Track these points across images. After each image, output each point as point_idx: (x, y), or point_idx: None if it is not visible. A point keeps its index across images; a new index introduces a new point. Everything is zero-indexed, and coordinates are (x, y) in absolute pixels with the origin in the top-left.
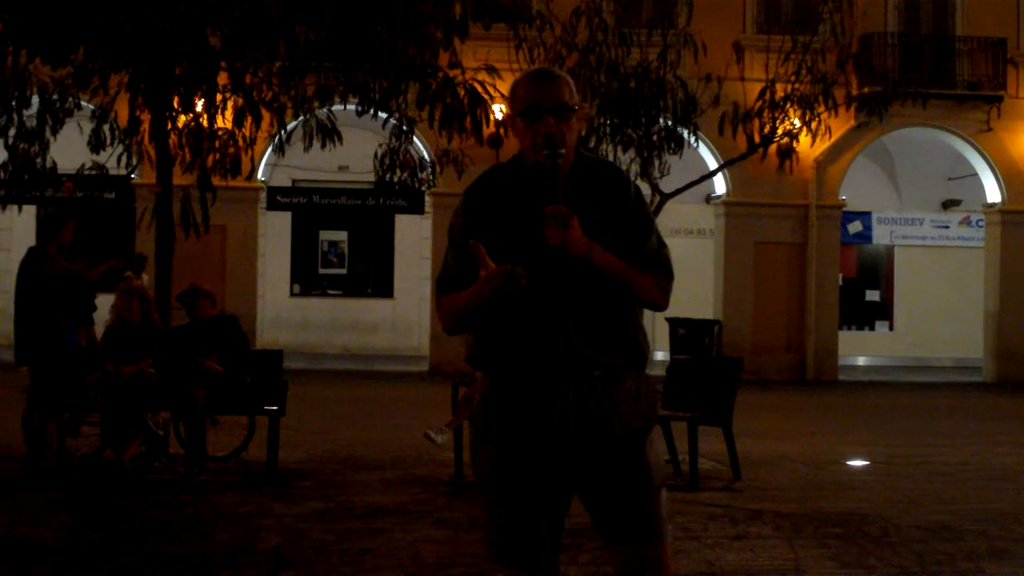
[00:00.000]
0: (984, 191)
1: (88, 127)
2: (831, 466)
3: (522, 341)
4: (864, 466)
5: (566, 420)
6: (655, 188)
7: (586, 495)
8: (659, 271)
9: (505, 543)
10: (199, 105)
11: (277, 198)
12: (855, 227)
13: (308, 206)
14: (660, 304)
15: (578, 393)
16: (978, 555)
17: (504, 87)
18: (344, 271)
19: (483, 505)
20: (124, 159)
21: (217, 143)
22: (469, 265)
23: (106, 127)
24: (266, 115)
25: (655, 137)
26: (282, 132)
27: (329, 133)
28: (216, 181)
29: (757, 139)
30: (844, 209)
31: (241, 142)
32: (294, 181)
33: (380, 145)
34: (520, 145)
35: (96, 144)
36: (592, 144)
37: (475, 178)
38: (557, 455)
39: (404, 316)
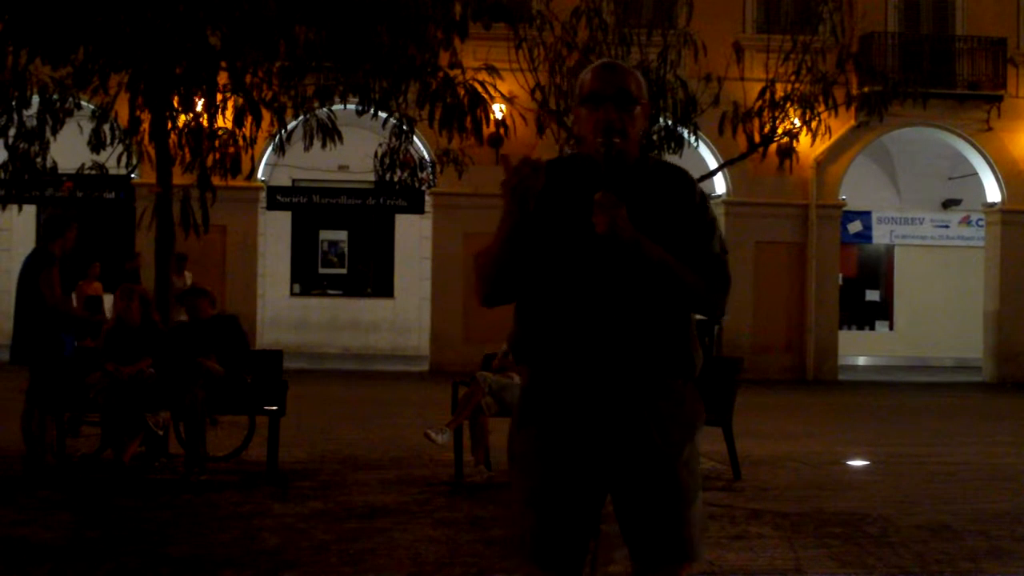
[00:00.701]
0: (984, 191)
1: (88, 127)
2: (831, 466)
3: (566, 335)
4: (864, 466)
5: (605, 420)
6: None
7: (617, 499)
8: (713, 274)
9: (534, 540)
10: (199, 105)
11: (277, 198)
12: (855, 227)
13: (308, 206)
14: (713, 307)
15: (619, 394)
16: (978, 555)
17: (504, 87)
18: (344, 271)
19: (513, 501)
20: (124, 159)
21: (217, 143)
22: None
23: (106, 127)
24: (266, 115)
25: (655, 137)
26: (282, 132)
27: (329, 133)
28: (216, 181)
29: (757, 139)
30: (844, 209)
31: (241, 142)
32: (294, 181)
33: (380, 145)
34: (582, 135)
35: (96, 144)
36: None
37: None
38: (593, 451)
39: (404, 316)
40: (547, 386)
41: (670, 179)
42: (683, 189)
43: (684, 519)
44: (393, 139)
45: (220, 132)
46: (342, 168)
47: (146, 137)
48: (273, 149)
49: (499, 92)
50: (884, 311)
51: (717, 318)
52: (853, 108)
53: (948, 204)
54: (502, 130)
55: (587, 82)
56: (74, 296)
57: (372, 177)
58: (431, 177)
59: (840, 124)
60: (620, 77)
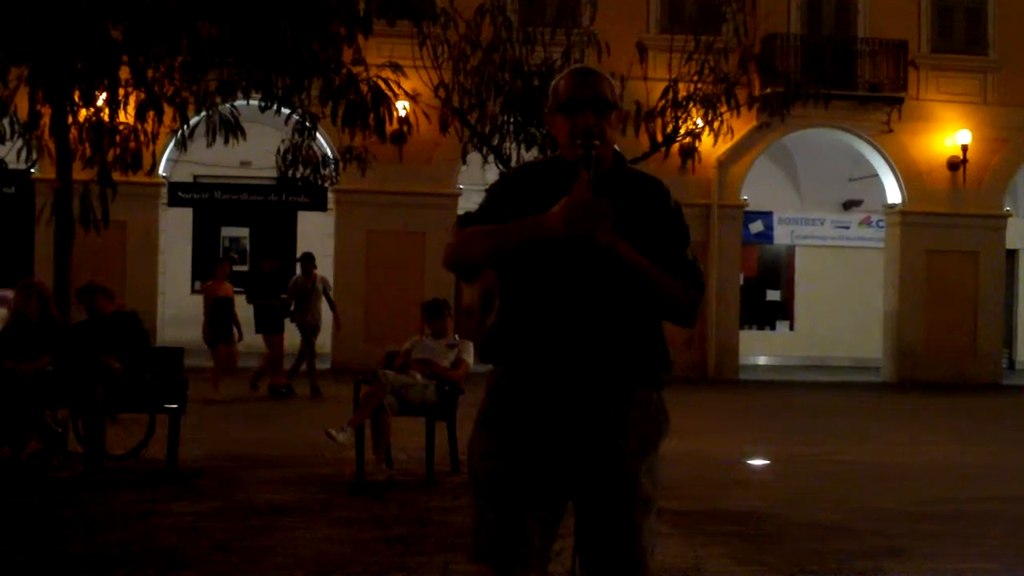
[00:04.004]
0: (884, 192)
1: None
2: (731, 464)
3: (540, 336)
4: (763, 464)
5: (571, 423)
6: None
7: (577, 505)
8: (689, 280)
9: (492, 541)
10: (100, 99)
11: (178, 194)
12: (756, 227)
13: (210, 202)
14: (686, 313)
15: (587, 398)
16: (875, 553)
17: (408, 84)
18: (246, 268)
19: (473, 500)
20: (23, 154)
21: (118, 138)
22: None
23: (5, 121)
24: (168, 110)
25: None
26: (184, 127)
27: (231, 129)
28: (117, 176)
29: (659, 138)
30: (745, 209)
31: (142, 137)
32: (195, 177)
33: (283, 141)
34: (559, 141)
35: None
36: (496, 142)
37: (512, 169)
38: (557, 454)
39: None
40: (516, 386)
41: (644, 186)
42: (657, 196)
43: (640, 530)
44: (296, 136)
45: (121, 127)
46: (244, 164)
47: (46, 131)
48: (175, 145)
49: (402, 89)
50: (784, 311)
51: (689, 325)
52: (755, 109)
53: (849, 205)
54: (405, 128)
55: (563, 88)
56: (202, 299)
57: (274, 174)
58: (334, 174)
59: (742, 125)
60: (596, 83)
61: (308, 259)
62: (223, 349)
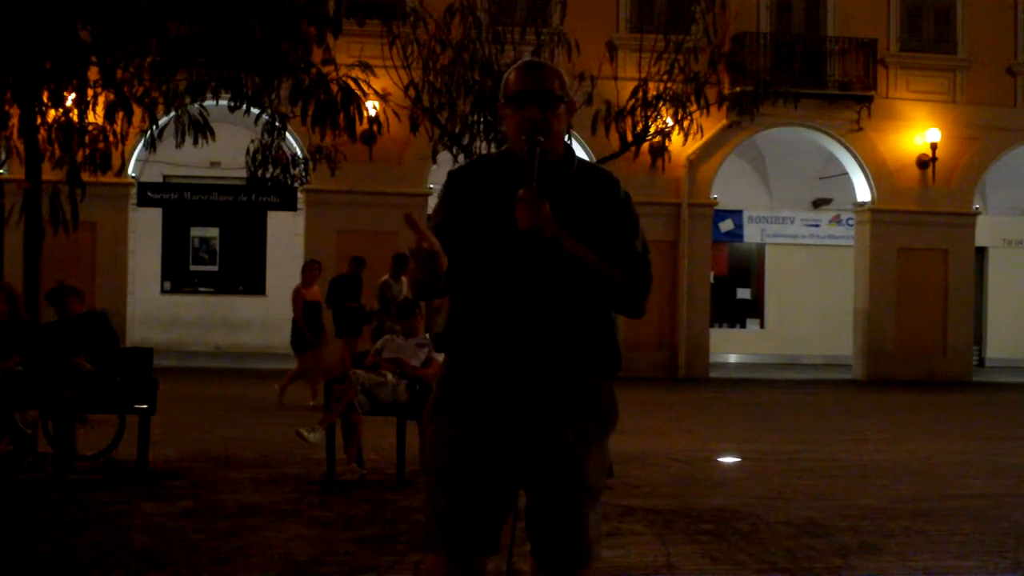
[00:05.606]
0: (854, 190)
1: None
2: (702, 463)
3: (488, 327)
4: (735, 463)
5: (520, 412)
6: None
7: (527, 493)
8: (635, 272)
9: (443, 527)
10: (69, 100)
11: (148, 194)
12: (726, 225)
13: (179, 202)
14: (633, 304)
15: (536, 387)
16: (847, 551)
17: (378, 84)
18: (215, 268)
19: (425, 488)
20: None
21: (87, 138)
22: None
23: None
24: (137, 110)
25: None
26: (153, 127)
27: (201, 129)
28: (86, 177)
29: (630, 138)
30: (716, 207)
31: (112, 137)
32: (165, 177)
33: (252, 141)
34: (508, 134)
35: None
36: (466, 142)
37: (461, 165)
38: (506, 441)
39: (276, 314)
40: (466, 375)
41: (594, 179)
42: (606, 188)
43: (585, 520)
44: (265, 136)
45: (90, 127)
46: (214, 164)
47: (15, 132)
48: (144, 145)
49: (372, 89)
50: (755, 309)
51: (637, 316)
52: (725, 107)
53: (818, 203)
54: (375, 127)
55: (511, 82)
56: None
57: (244, 174)
58: (303, 174)
59: (712, 123)
60: (544, 76)
61: (401, 261)
62: (310, 355)
